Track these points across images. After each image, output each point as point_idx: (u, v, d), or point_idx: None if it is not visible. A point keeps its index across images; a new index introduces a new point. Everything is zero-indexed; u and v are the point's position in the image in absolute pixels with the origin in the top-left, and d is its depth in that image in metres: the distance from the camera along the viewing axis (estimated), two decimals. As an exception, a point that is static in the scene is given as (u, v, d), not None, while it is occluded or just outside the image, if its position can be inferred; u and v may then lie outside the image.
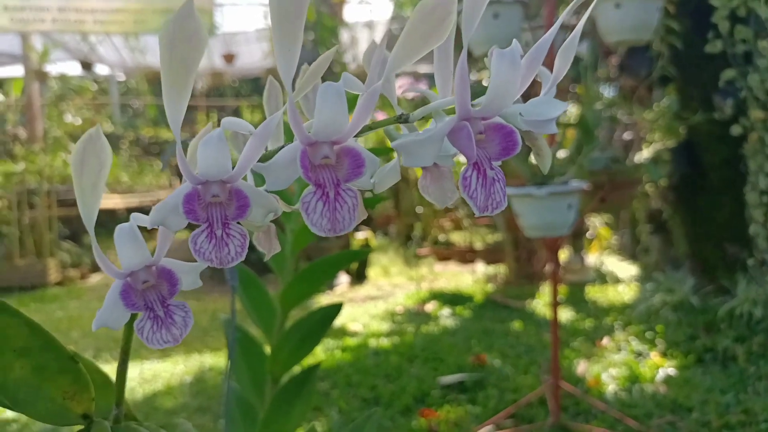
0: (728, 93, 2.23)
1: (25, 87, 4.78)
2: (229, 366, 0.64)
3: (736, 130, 2.19)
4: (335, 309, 0.71)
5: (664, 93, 2.63)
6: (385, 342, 2.53)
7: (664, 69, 2.26)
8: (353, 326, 2.84)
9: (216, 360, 2.46)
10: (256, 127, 0.24)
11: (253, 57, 6.25)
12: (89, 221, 0.25)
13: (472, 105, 0.23)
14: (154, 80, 6.33)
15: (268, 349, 0.70)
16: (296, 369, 0.72)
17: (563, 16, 0.25)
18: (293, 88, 0.22)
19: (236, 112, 7.12)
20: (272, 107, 0.30)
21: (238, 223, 0.24)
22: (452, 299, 3.31)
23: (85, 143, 0.23)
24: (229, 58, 6.06)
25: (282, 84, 0.29)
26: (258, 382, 0.67)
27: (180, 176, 0.25)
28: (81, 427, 0.28)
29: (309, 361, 0.79)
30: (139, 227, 0.27)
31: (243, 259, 0.24)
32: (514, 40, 0.23)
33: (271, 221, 0.27)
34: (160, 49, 0.22)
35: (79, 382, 0.28)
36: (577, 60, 2.06)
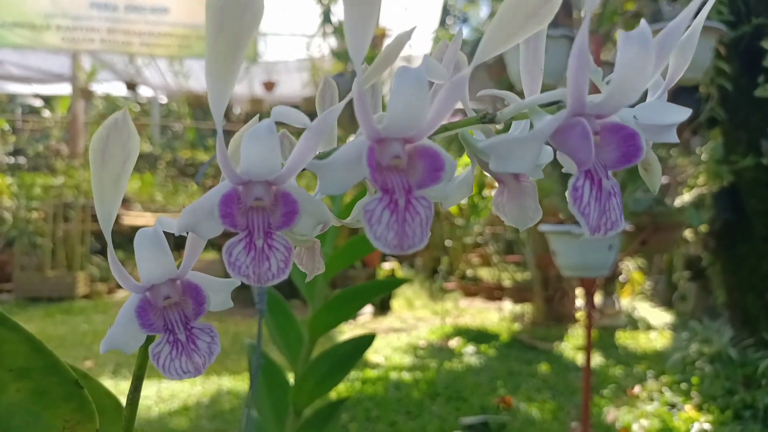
0: (777, 137, 2.16)
1: (71, 105, 4.92)
2: (251, 394, 0.60)
3: (784, 176, 2.12)
4: (367, 340, 0.67)
5: (708, 136, 2.56)
6: (406, 376, 2.46)
7: (713, 111, 2.20)
8: (375, 358, 2.78)
9: (234, 384, 2.41)
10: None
11: (293, 86, 6.35)
12: (106, 223, 0.21)
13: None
14: (195, 104, 6.45)
15: (291, 379, 0.66)
16: (319, 402, 0.68)
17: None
18: (359, 66, 0.18)
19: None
20: (326, 107, 0.27)
21: (282, 234, 0.20)
22: (477, 336, 3.23)
23: (109, 129, 0.20)
24: (269, 86, 6.16)
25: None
26: (280, 413, 0.63)
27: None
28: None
29: (332, 393, 0.74)
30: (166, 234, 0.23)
31: (285, 277, 0.20)
32: (642, 20, 0.19)
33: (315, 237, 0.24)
34: (206, 21, 0.18)
35: (83, 410, 0.25)
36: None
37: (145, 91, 6.97)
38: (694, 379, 2.29)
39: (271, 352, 0.81)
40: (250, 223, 0.20)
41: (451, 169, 0.19)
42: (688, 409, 2.06)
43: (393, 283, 0.56)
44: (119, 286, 3.62)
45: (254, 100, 6.46)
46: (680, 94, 2.25)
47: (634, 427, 1.92)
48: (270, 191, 0.20)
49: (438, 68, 0.21)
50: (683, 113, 0.21)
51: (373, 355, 2.82)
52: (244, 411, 0.59)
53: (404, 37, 0.20)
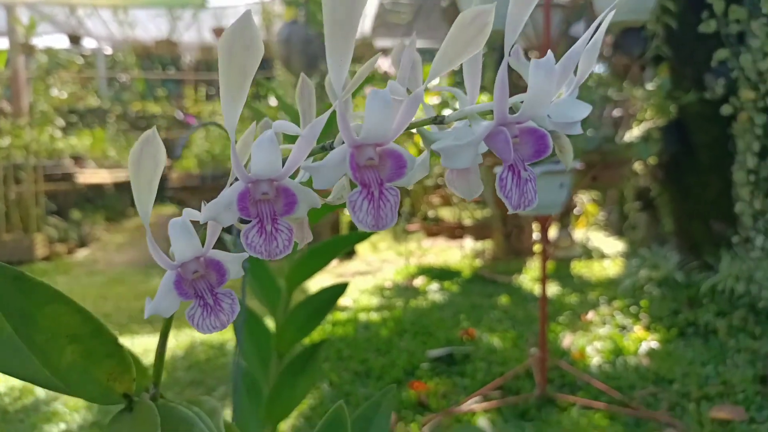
0: (720, 73, 2.25)
1: (10, 60, 4.69)
2: (238, 344, 0.66)
3: (726, 109, 2.22)
4: (341, 289, 0.73)
5: (656, 72, 2.65)
6: (374, 316, 2.56)
7: (658, 48, 2.27)
8: (343, 301, 2.87)
9: (207, 335, 2.48)
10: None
11: (242, 30, 6.19)
12: (145, 215, 0.26)
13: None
14: (143, 54, 6.23)
15: (273, 327, 0.72)
16: (299, 346, 0.74)
17: (598, 20, 0.26)
18: (341, 94, 0.23)
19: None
20: (305, 105, 0.32)
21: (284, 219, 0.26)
22: (441, 274, 3.35)
23: (142, 144, 0.25)
24: (219, 32, 5.98)
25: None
26: (264, 358, 0.69)
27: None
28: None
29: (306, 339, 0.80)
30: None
31: (290, 252, 0.25)
32: (549, 51, 0.24)
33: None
34: (219, 56, 0.23)
35: (122, 364, 0.30)
36: (573, 40, 2.06)
37: (89, 43, 6.68)
38: (643, 303, 2.45)
39: (251, 305, 0.86)
40: (260, 212, 0.26)
41: (411, 165, 0.24)
42: (638, 330, 2.22)
43: (362, 235, 0.61)
44: (79, 246, 3.58)
45: (204, 48, 6.28)
46: (628, 33, 2.31)
47: (588, 349, 2.07)
48: (273, 186, 0.25)
49: (399, 89, 0.26)
50: (585, 110, 0.27)
51: (341, 298, 2.91)
52: (233, 360, 0.64)
53: (374, 61, 0.25)
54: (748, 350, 1.94)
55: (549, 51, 0.24)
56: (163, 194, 6.46)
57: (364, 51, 6.08)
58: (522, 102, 0.25)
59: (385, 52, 6.13)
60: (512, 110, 0.25)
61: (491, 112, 0.25)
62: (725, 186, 2.38)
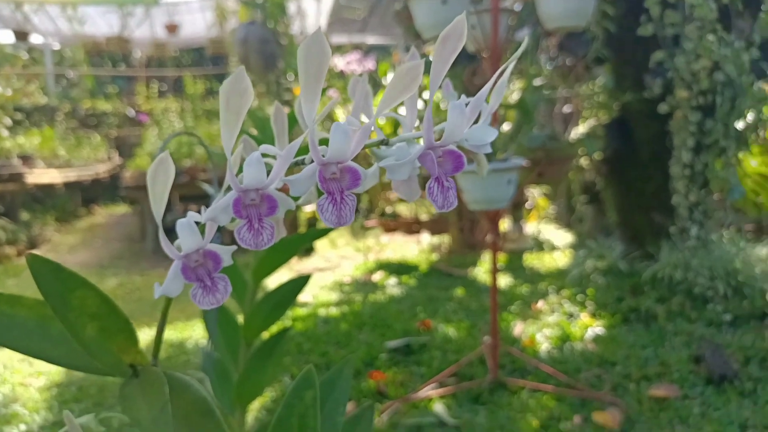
0: (657, 73, 2.39)
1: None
2: (210, 336, 0.71)
3: (663, 108, 2.37)
4: (303, 281, 0.79)
5: (599, 72, 2.78)
6: (334, 311, 2.63)
7: (599, 51, 2.40)
8: (303, 297, 2.91)
9: (166, 333, 2.50)
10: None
11: (196, 27, 6.12)
12: (159, 217, 0.32)
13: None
14: (93, 51, 6.10)
15: (240, 318, 0.78)
16: (266, 334, 0.80)
17: (506, 69, 0.34)
18: (311, 126, 0.30)
19: (178, 83, 6.95)
20: (279, 127, 0.39)
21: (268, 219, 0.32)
22: (398, 269, 3.43)
23: (157, 164, 0.31)
24: (172, 28, 5.91)
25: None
26: (233, 346, 0.75)
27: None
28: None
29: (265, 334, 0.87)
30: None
31: (272, 244, 0.32)
32: (463, 96, 0.32)
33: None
34: (220, 101, 0.29)
35: (131, 339, 0.36)
36: (518, 43, 2.16)
37: (36, 39, 6.50)
38: (590, 291, 2.58)
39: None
40: (249, 214, 0.32)
41: (364, 177, 0.31)
42: (584, 317, 2.35)
43: (323, 231, 0.66)
44: (29, 248, 3.51)
45: (157, 43, 6.19)
46: (571, 36, 2.43)
47: (538, 336, 2.18)
48: (258, 194, 0.32)
49: (355, 123, 0.33)
50: (492, 134, 0.34)
51: (301, 294, 2.96)
52: (203, 349, 0.70)
53: (333, 104, 0.32)
54: (684, 333, 2.09)
55: (463, 96, 0.32)
56: (115, 193, 6.35)
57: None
58: (444, 128, 0.33)
59: (340, 48, 6.18)
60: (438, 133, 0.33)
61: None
62: (664, 180, 2.53)
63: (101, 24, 6.25)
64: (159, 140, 4.98)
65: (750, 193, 3.04)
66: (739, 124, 2.33)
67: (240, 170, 0.32)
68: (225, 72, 6.06)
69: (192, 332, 2.49)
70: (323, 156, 0.32)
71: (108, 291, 3.32)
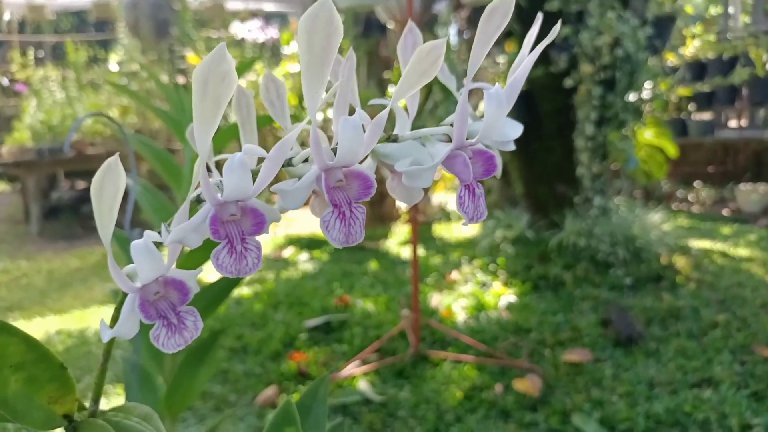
0: (563, 48, 2.45)
1: None
2: (132, 341, 0.63)
3: (568, 82, 2.43)
4: (236, 280, 0.72)
5: (509, 46, 2.82)
6: (246, 291, 2.53)
7: (509, 24, 2.41)
8: (209, 278, 2.79)
9: (63, 323, 2.30)
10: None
11: (78, -12, 5.61)
12: (107, 239, 0.25)
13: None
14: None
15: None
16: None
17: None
18: (315, 123, 0.24)
19: (58, 49, 6.39)
20: (243, 114, 0.32)
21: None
22: (309, 243, 3.37)
23: (103, 172, 0.24)
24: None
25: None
26: (156, 353, 0.67)
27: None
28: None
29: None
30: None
31: (258, 268, 0.26)
32: (497, 84, 0.27)
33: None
34: (194, 86, 0.22)
35: (65, 387, 0.28)
36: (434, 16, 2.13)
37: None
38: (500, 260, 2.65)
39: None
40: (229, 233, 0.26)
41: (374, 185, 0.26)
42: (497, 286, 2.41)
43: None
44: None
45: (33, 6, 5.62)
46: (480, 10, 2.43)
47: (455, 307, 2.21)
48: (239, 207, 0.25)
49: (366, 117, 0.27)
50: (518, 130, 0.30)
51: (206, 275, 2.84)
52: (123, 356, 0.62)
53: (316, 125, 0.26)
54: (591, 298, 2.19)
55: (498, 84, 0.27)
56: (-8, 170, 5.76)
57: (214, 14, 5.83)
58: (450, 124, 0.27)
59: (236, 15, 5.91)
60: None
61: (443, 134, 0.27)
62: (568, 152, 2.62)
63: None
64: (39, 112, 4.55)
65: (642, 163, 3.23)
66: (634, 98, 2.45)
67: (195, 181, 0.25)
68: (111, 38, 5.61)
69: (91, 321, 2.32)
70: (330, 161, 0.26)
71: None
